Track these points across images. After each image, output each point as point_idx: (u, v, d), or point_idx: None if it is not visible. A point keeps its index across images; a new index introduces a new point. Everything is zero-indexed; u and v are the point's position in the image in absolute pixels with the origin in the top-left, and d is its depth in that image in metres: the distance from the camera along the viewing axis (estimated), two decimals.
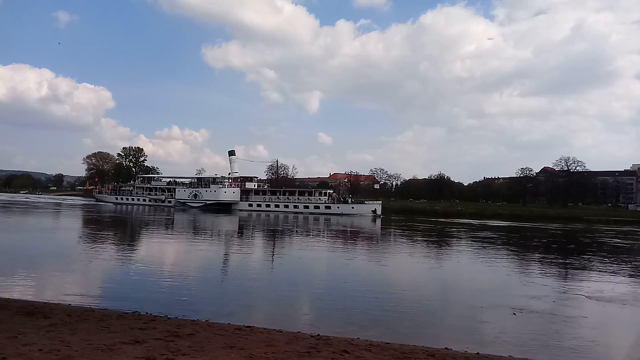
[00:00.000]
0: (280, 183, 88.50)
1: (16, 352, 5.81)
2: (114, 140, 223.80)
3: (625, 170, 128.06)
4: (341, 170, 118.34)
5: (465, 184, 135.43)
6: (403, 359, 6.85)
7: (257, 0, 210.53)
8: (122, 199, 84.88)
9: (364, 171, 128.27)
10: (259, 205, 69.40)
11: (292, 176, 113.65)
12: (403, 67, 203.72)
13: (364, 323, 9.50)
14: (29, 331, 6.92)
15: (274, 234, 33.26)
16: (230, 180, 73.04)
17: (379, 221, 51.69)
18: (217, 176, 75.48)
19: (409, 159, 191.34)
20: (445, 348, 7.75)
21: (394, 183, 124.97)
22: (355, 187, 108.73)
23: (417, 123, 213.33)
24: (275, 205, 68.66)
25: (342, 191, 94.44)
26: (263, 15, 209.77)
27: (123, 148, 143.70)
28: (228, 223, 44.14)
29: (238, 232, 34.35)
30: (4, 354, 5.72)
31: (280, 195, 70.28)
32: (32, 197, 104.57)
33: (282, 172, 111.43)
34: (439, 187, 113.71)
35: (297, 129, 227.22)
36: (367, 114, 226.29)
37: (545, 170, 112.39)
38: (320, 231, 37.07)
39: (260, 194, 71.73)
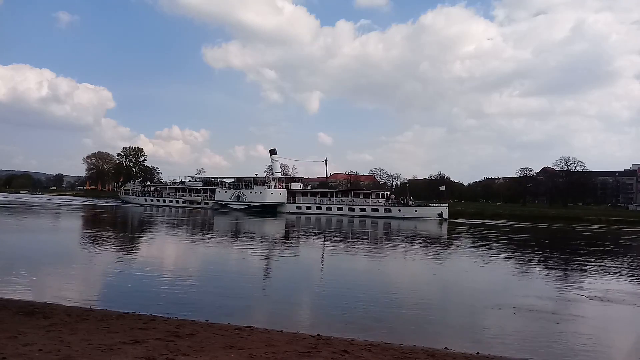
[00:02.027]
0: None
1: (16, 352, 5.81)
2: (114, 140, 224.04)
3: (625, 170, 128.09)
4: (341, 170, 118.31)
5: (465, 184, 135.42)
6: (403, 359, 6.86)
7: (258, 0, 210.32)
8: (151, 200, 79.68)
9: (364, 171, 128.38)
10: (308, 208, 64.25)
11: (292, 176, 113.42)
12: (403, 67, 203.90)
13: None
14: (29, 331, 6.92)
15: (343, 239, 30.80)
16: (276, 181, 68.60)
17: (445, 225, 47.67)
18: (263, 176, 70.97)
19: (409, 159, 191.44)
20: (445, 348, 7.76)
21: (394, 183, 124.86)
22: (355, 187, 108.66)
23: (417, 123, 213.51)
24: (327, 207, 63.32)
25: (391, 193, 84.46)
26: (263, 15, 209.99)
27: (123, 148, 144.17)
28: (281, 227, 41.59)
29: (296, 237, 32.04)
30: (4, 354, 5.72)
31: (332, 197, 65.50)
32: (37, 198, 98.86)
33: (281, 172, 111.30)
34: (438, 187, 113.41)
35: (297, 129, 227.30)
36: (367, 114, 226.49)
37: (545, 170, 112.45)
38: (385, 236, 34.32)
39: (309, 195, 66.92)
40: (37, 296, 10.46)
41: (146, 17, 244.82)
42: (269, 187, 66.89)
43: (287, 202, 65.71)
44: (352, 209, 61.70)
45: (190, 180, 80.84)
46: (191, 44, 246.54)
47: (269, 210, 63.43)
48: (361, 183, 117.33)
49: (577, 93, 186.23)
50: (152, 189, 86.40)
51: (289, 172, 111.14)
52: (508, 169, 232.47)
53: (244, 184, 70.43)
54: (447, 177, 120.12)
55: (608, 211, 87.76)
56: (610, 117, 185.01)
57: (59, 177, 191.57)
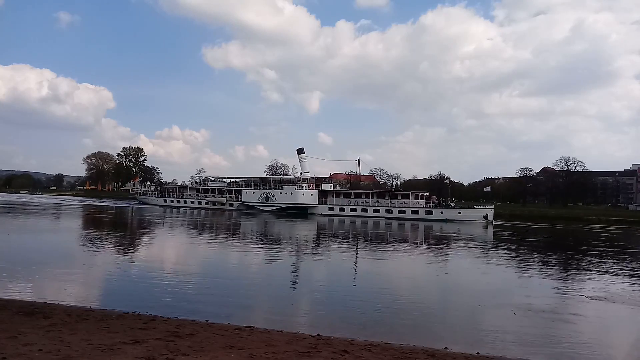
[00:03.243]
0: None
1: (16, 352, 5.81)
2: (114, 140, 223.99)
3: (625, 170, 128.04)
4: (341, 170, 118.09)
5: (465, 184, 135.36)
6: (403, 359, 6.86)
7: (258, 1, 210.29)
8: (171, 201, 76.06)
9: (364, 171, 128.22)
10: (341, 210, 61.08)
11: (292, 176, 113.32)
12: (403, 68, 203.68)
13: None
14: (29, 331, 6.92)
15: (381, 242, 29.12)
16: (307, 182, 65.38)
17: (491, 228, 45.10)
18: (293, 177, 67.61)
19: (409, 159, 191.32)
20: (445, 348, 7.76)
21: (394, 183, 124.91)
22: (355, 187, 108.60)
23: (417, 123, 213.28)
24: (362, 209, 60.05)
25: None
26: (264, 15, 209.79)
27: (123, 148, 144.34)
28: (316, 229, 39.63)
29: (333, 240, 30.37)
30: (4, 354, 5.72)
31: (367, 198, 62.25)
32: (42, 198, 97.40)
33: (281, 172, 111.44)
34: (439, 187, 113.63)
35: (297, 129, 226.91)
36: (367, 114, 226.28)
37: (545, 170, 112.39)
38: (427, 240, 32.46)
39: (342, 196, 63.92)
40: (39, 296, 10.47)
41: (146, 18, 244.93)
42: (300, 187, 63.92)
43: (318, 204, 62.91)
44: (390, 211, 58.30)
45: (213, 181, 77.38)
46: (191, 44, 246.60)
47: (300, 212, 60.94)
48: (361, 183, 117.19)
49: (577, 93, 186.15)
50: (170, 189, 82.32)
51: (289, 172, 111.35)
52: (508, 169, 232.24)
53: (271, 184, 67.97)
54: (447, 176, 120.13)
55: (608, 211, 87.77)
56: (610, 117, 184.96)
57: (59, 177, 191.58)
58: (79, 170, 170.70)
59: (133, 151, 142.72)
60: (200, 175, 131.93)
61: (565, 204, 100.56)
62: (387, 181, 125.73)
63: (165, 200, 76.98)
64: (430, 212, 56.42)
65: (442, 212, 55.68)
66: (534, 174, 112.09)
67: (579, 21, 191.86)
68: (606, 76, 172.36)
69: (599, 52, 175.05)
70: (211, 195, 72.23)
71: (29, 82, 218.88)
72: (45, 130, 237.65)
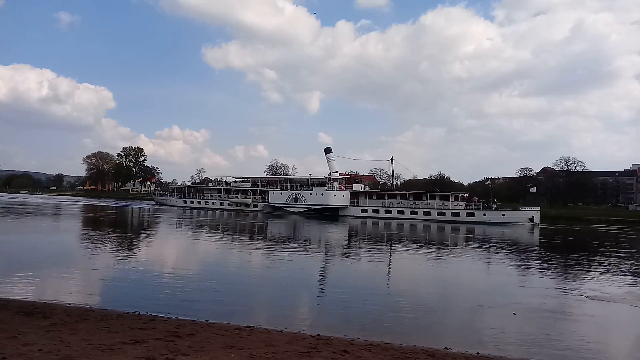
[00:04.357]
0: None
1: (16, 352, 5.81)
2: (114, 140, 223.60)
3: (625, 170, 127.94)
4: (341, 170, 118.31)
5: (465, 184, 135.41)
6: (403, 359, 6.86)
7: (259, 1, 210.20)
8: (191, 202, 73.46)
9: (364, 171, 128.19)
10: (375, 212, 58.44)
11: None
12: (403, 68, 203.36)
13: None
14: (29, 331, 6.92)
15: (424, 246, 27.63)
16: (338, 182, 62.77)
17: (537, 231, 43.52)
18: (322, 177, 64.99)
19: (409, 159, 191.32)
20: (445, 348, 7.77)
21: (394, 183, 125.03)
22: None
23: (417, 123, 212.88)
24: (398, 211, 57.24)
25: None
26: (264, 16, 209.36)
27: (123, 148, 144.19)
28: (352, 233, 37.63)
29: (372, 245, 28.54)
30: (4, 354, 5.72)
31: (402, 199, 59.36)
32: (46, 199, 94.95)
33: (281, 172, 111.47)
34: (439, 187, 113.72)
35: (297, 129, 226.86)
36: (367, 114, 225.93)
37: (545, 170, 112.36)
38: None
39: (375, 197, 61.44)
40: (40, 296, 10.47)
41: (146, 18, 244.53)
42: (331, 188, 61.10)
43: (350, 205, 60.46)
44: (428, 213, 55.73)
45: (235, 181, 74.07)
46: (191, 44, 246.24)
47: (331, 214, 58.58)
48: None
49: (576, 93, 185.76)
50: (190, 190, 79.70)
51: (289, 172, 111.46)
52: (508, 169, 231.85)
53: (298, 184, 65.24)
54: (447, 176, 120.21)
55: (608, 211, 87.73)
56: (610, 117, 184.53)
57: (59, 177, 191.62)
58: (79, 170, 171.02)
59: (133, 151, 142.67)
60: (200, 175, 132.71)
61: (565, 204, 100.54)
62: (386, 181, 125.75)
63: (185, 201, 74.39)
64: (472, 214, 53.97)
65: (484, 215, 53.22)
66: (534, 174, 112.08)
67: (579, 21, 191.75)
68: (606, 76, 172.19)
69: (598, 52, 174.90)
70: (234, 196, 69.46)
71: (29, 82, 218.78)
72: (45, 130, 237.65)
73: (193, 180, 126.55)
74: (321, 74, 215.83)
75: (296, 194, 63.33)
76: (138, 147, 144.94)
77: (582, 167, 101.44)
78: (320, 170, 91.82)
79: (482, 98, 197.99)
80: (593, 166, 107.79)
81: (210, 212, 60.93)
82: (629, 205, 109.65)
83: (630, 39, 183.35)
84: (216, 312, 9.68)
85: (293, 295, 12.79)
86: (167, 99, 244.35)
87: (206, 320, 8.69)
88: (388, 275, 17.41)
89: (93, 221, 41.04)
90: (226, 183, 74.71)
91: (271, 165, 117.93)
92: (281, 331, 8.16)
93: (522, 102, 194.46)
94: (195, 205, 72.28)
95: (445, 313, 11.22)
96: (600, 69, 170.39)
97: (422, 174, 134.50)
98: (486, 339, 8.80)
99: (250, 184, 70.73)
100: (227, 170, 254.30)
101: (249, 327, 8.30)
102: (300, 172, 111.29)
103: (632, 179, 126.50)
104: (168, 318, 8.68)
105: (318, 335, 7.97)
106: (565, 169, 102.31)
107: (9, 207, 55.24)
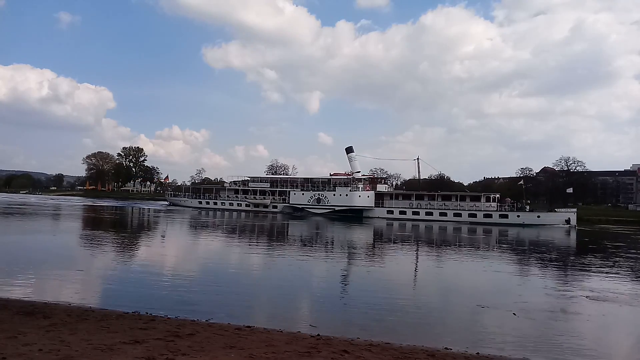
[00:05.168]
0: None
1: (16, 352, 5.81)
2: (115, 140, 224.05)
3: (625, 170, 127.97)
4: (341, 170, 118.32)
5: (466, 184, 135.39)
6: (403, 359, 6.86)
7: (259, 1, 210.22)
8: (207, 202, 71.81)
9: (364, 171, 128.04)
10: (402, 213, 56.79)
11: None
12: (403, 68, 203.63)
13: None
14: (29, 331, 6.92)
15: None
16: (362, 182, 61.33)
17: (574, 233, 42.00)
18: (345, 177, 63.55)
19: (409, 159, 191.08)
20: (445, 348, 7.77)
21: (394, 183, 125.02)
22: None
23: (417, 123, 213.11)
24: (426, 213, 55.75)
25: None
26: (264, 16, 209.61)
27: (123, 148, 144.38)
28: (378, 234, 36.55)
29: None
30: (4, 354, 5.72)
31: (431, 200, 57.85)
32: (50, 199, 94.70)
33: (281, 172, 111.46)
34: (439, 187, 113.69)
35: (297, 129, 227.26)
36: (367, 114, 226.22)
37: (545, 170, 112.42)
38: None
39: (401, 198, 60.04)
40: (40, 296, 10.45)
41: (147, 18, 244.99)
42: (355, 188, 59.65)
43: (375, 206, 58.76)
44: (459, 215, 54.14)
45: (254, 181, 71.71)
46: (191, 44, 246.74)
47: (355, 215, 57.05)
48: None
49: (576, 93, 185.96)
50: (205, 190, 77.86)
51: (289, 172, 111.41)
52: (508, 169, 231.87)
53: (319, 185, 63.57)
54: (447, 176, 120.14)
55: (608, 211, 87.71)
56: (610, 117, 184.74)
57: (59, 177, 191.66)
58: (79, 170, 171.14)
59: (133, 151, 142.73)
60: (200, 175, 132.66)
61: (565, 204, 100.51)
62: (387, 181, 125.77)
63: (200, 202, 72.72)
64: (505, 216, 52.40)
65: (518, 216, 51.84)
66: (534, 174, 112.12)
67: (579, 21, 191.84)
68: (606, 76, 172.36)
69: (598, 52, 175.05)
70: (252, 196, 67.51)
71: (30, 82, 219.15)
72: (45, 130, 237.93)
73: (193, 180, 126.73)
74: (321, 74, 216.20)
75: (319, 194, 61.76)
76: (138, 147, 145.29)
77: (582, 167, 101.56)
78: (320, 170, 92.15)
79: (482, 98, 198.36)
80: (593, 166, 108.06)
81: (227, 213, 59.83)
82: (629, 205, 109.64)
83: (630, 39, 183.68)
84: (216, 312, 9.66)
85: (294, 295, 12.77)
86: (167, 99, 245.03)
87: (206, 320, 8.69)
88: (414, 280, 16.51)
89: (109, 224, 37.85)
90: (243, 183, 72.26)
91: (271, 165, 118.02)
92: (281, 331, 8.16)
93: (522, 102, 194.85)
94: (211, 205, 70.60)
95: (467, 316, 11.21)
96: (600, 69, 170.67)
97: (422, 174, 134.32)
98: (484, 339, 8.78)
99: (268, 184, 68.89)
100: (228, 170, 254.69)
101: (249, 327, 8.29)
102: (300, 172, 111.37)
103: (632, 179, 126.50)
104: (168, 318, 8.68)
105: (318, 335, 7.97)
106: (565, 169, 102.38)
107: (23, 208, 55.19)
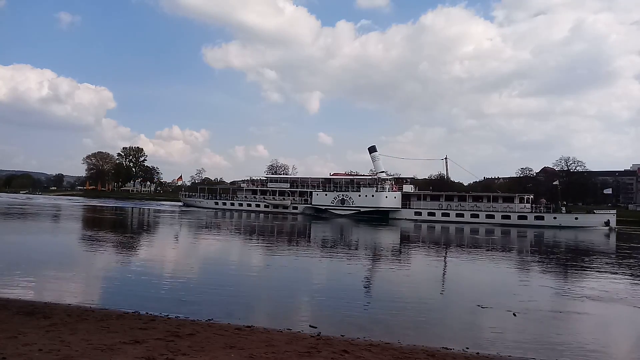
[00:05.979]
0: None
1: (16, 352, 5.81)
2: (115, 140, 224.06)
3: (625, 170, 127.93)
4: (341, 170, 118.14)
5: (466, 184, 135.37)
6: (403, 359, 6.86)
7: (259, 1, 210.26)
8: (223, 203, 69.43)
9: (364, 171, 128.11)
10: (430, 214, 54.88)
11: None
12: (403, 68, 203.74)
13: None
14: (29, 331, 6.92)
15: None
16: (388, 182, 59.44)
17: (613, 236, 40.32)
18: (370, 177, 61.59)
19: (409, 159, 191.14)
20: (445, 348, 7.76)
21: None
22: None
23: (417, 123, 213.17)
24: (457, 214, 53.94)
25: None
26: (264, 16, 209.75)
27: (123, 148, 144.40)
28: (406, 237, 35.23)
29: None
30: (4, 354, 5.72)
31: (461, 201, 56.05)
32: (50, 200, 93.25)
33: (281, 172, 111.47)
34: (439, 187, 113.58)
35: (297, 129, 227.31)
36: (367, 114, 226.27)
37: (545, 170, 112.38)
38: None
39: (429, 199, 57.92)
40: (40, 296, 10.45)
41: (147, 18, 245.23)
42: (380, 189, 57.74)
43: (402, 207, 56.86)
44: (492, 216, 52.09)
45: (272, 181, 70.20)
46: (191, 44, 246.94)
47: (380, 217, 54.94)
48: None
49: (576, 93, 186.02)
50: (222, 190, 75.84)
51: (289, 172, 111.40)
52: (508, 169, 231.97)
53: (342, 185, 61.55)
54: (447, 177, 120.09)
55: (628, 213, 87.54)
56: (610, 117, 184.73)
57: (59, 177, 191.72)
58: (79, 170, 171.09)
59: (133, 151, 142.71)
60: (200, 175, 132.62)
61: (565, 204, 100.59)
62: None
63: (217, 203, 70.34)
64: (541, 218, 50.62)
65: (555, 218, 50.13)
66: (534, 174, 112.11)
67: (579, 21, 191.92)
68: (606, 76, 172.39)
69: (598, 52, 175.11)
70: (271, 197, 65.39)
71: (30, 82, 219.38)
72: (45, 130, 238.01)
73: (193, 180, 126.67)
74: (321, 74, 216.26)
75: (343, 195, 59.59)
76: (138, 147, 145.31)
77: (582, 167, 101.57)
78: (319, 170, 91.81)
79: (482, 98, 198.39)
80: (593, 166, 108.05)
81: (245, 214, 57.96)
82: (629, 205, 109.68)
83: (630, 39, 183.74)
84: (216, 312, 9.66)
85: (295, 295, 12.77)
86: (167, 99, 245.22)
87: (206, 320, 8.69)
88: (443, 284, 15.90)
89: (119, 225, 36.37)
90: (262, 183, 70.55)
91: (271, 165, 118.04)
92: (281, 331, 8.16)
93: (522, 102, 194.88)
94: (228, 207, 68.28)
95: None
96: (600, 69, 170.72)
97: (422, 174, 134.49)
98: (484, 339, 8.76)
99: (288, 184, 66.61)
100: (228, 170, 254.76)
101: (249, 327, 8.29)
102: (300, 172, 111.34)
103: (632, 179, 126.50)
104: (168, 318, 8.68)
105: (318, 335, 7.97)
106: (565, 169, 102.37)
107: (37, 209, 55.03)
